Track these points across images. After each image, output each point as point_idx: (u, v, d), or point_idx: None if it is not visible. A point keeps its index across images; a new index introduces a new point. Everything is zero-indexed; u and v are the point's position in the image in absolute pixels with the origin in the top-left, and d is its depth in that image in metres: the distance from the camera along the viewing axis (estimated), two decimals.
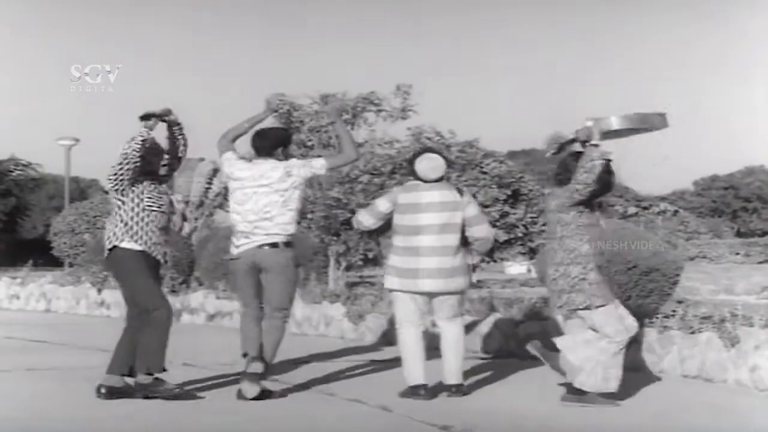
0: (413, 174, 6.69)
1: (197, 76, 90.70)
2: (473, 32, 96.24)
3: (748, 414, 6.41)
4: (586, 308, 6.27)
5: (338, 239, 15.15)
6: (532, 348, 6.54)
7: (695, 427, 5.99)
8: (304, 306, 10.92)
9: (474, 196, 16.19)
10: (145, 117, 6.40)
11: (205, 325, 11.88)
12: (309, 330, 10.70)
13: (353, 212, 14.66)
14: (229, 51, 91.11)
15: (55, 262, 19.41)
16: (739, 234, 52.99)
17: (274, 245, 6.54)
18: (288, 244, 6.59)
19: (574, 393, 6.30)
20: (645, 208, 46.50)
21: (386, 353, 8.70)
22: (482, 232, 6.62)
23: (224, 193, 17.27)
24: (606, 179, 6.34)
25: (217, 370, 7.49)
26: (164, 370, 6.38)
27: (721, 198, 59.80)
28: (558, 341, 6.42)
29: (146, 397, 6.29)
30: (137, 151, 6.29)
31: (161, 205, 6.49)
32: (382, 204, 6.72)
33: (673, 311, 8.39)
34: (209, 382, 7.08)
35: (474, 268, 6.76)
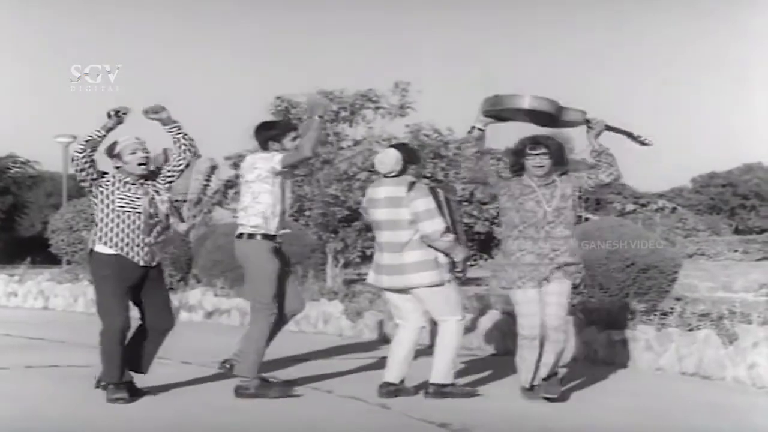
0: None
1: (197, 75, 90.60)
2: (471, 29, 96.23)
3: (746, 411, 6.41)
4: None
5: (336, 236, 15.15)
6: None
7: (694, 426, 5.98)
8: None
9: (471, 192, 16.31)
10: (108, 115, 6.15)
11: (203, 323, 11.85)
12: (307, 327, 10.69)
13: (351, 209, 14.70)
14: (228, 49, 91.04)
15: (53, 260, 19.35)
16: (737, 231, 53.08)
17: (240, 236, 6.60)
18: (253, 236, 6.51)
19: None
20: (643, 205, 46.62)
21: (384, 350, 8.66)
22: (426, 228, 6.33)
23: (223, 191, 17.27)
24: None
25: (215, 368, 7.46)
26: (108, 384, 6.15)
27: (719, 195, 59.84)
28: None
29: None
30: (79, 153, 6.10)
31: (138, 205, 6.22)
32: (364, 199, 6.80)
33: (671, 308, 8.39)
34: (207, 381, 7.07)
35: (454, 264, 6.42)
